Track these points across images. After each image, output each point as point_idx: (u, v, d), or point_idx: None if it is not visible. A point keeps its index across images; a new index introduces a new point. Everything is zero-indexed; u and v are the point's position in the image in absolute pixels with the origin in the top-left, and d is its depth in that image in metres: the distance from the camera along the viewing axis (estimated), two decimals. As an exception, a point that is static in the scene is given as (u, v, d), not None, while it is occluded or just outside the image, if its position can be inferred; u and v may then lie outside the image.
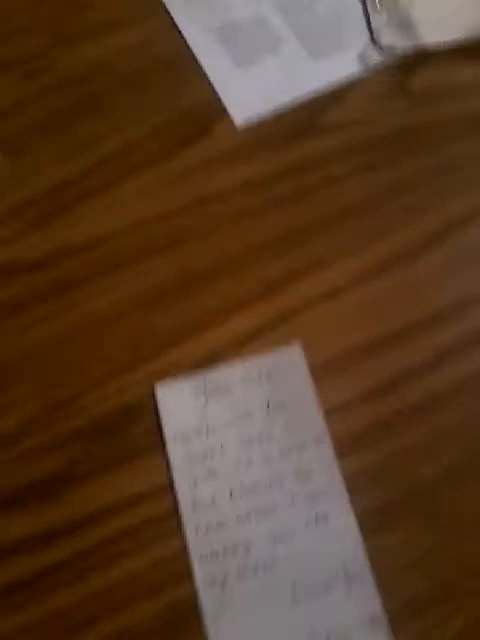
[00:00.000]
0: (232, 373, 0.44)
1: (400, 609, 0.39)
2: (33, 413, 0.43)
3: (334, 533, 0.40)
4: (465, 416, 0.42)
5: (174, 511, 0.41)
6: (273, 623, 0.39)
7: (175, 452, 0.42)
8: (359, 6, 0.55)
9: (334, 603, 0.39)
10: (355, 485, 0.41)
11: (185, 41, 0.55)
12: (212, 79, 0.53)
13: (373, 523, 0.40)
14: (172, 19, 0.56)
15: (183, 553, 0.40)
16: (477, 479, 0.41)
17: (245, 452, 0.42)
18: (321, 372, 0.44)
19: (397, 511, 0.40)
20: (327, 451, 0.42)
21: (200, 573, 0.39)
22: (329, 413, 0.43)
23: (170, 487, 0.41)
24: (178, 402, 0.43)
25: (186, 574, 0.39)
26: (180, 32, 0.55)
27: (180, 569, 0.40)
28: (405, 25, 0.54)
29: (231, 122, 0.51)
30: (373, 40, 0.54)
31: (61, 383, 0.44)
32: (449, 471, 0.41)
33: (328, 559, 0.40)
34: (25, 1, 0.57)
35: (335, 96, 0.52)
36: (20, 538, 0.40)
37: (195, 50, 0.54)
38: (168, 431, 0.43)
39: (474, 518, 0.40)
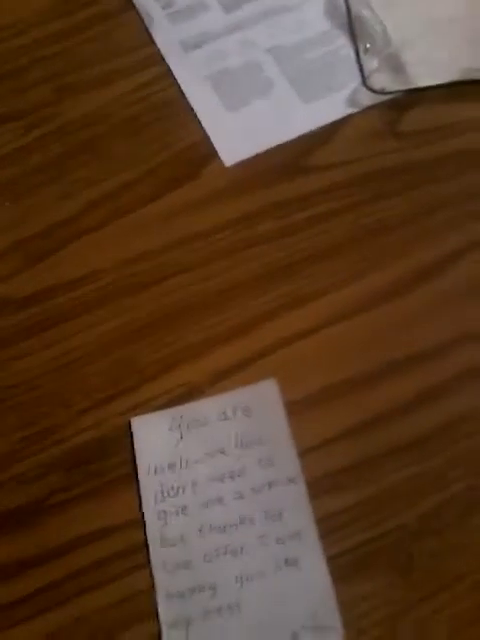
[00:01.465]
0: (208, 408, 0.44)
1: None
2: (13, 445, 0.44)
3: (304, 578, 0.39)
4: (448, 460, 0.41)
5: (143, 546, 0.40)
6: (237, 668, 0.38)
7: (147, 486, 0.42)
8: (351, 52, 0.56)
9: (302, 653, 0.38)
10: (328, 529, 0.40)
11: (180, 88, 0.57)
12: (203, 123, 0.54)
13: (346, 570, 0.39)
14: (169, 68, 0.58)
15: (150, 590, 0.39)
16: (461, 530, 0.39)
17: (217, 489, 0.41)
18: (298, 410, 0.43)
19: (373, 560, 0.39)
20: (300, 491, 0.41)
21: (165, 612, 0.39)
22: (304, 452, 0.42)
23: (141, 521, 0.41)
24: (153, 436, 0.43)
25: (151, 612, 0.39)
26: (176, 80, 0.57)
27: (145, 607, 0.39)
28: (396, 68, 0.55)
29: (221, 164, 0.53)
30: (364, 83, 0.54)
31: (42, 415, 0.45)
32: (430, 520, 0.39)
33: (296, 605, 0.38)
34: (36, 57, 0.60)
35: (323, 136, 0.52)
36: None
37: (188, 96, 0.56)
38: (141, 465, 0.42)
39: (455, 574, 0.38)
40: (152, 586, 0.39)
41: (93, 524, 0.41)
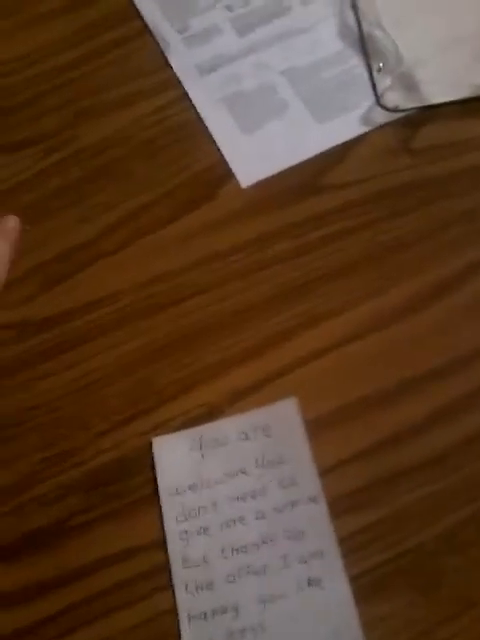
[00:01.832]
0: (228, 428, 0.44)
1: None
2: (33, 466, 0.45)
3: (326, 598, 0.39)
4: (466, 478, 0.41)
5: (165, 567, 0.41)
6: None
7: (169, 507, 0.42)
8: (364, 72, 0.57)
9: (326, 675, 0.37)
10: (350, 548, 0.40)
11: (196, 111, 0.57)
12: (220, 144, 0.55)
13: (368, 590, 0.39)
14: (185, 91, 0.59)
15: (172, 611, 0.40)
16: (480, 546, 0.39)
17: (238, 509, 0.42)
18: (317, 429, 0.43)
19: (394, 579, 0.39)
20: (321, 511, 0.41)
21: (187, 634, 0.39)
22: (325, 471, 0.42)
23: (163, 542, 0.41)
24: (174, 456, 0.44)
25: (174, 633, 0.39)
26: (192, 103, 0.58)
27: (168, 628, 0.39)
28: (409, 86, 0.55)
29: (237, 185, 0.53)
30: (378, 102, 0.55)
31: (62, 436, 0.45)
32: (450, 537, 0.39)
33: (320, 625, 0.38)
34: (53, 85, 0.62)
35: (338, 155, 0.53)
36: (13, 591, 0.41)
37: (205, 118, 0.57)
38: (163, 485, 0.43)
39: (478, 592, 0.38)
40: (175, 607, 0.39)
41: (115, 545, 0.42)
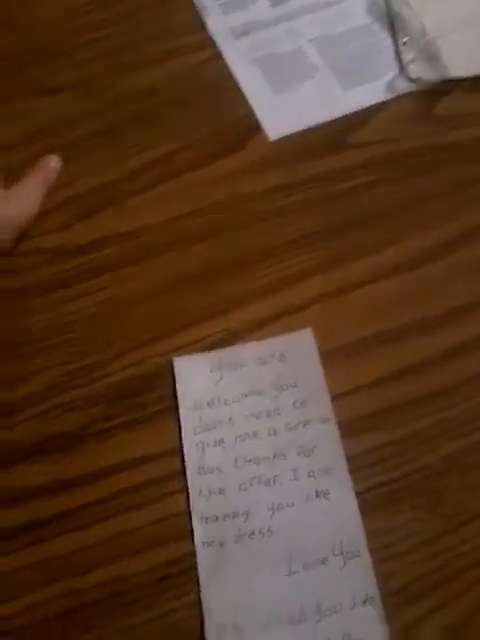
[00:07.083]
0: (247, 352, 0.46)
1: (395, 593, 0.39)
2: (58, 377, 0.47)
3: (333, 509, 0.41)
4: (471, 409, 0.44)
5: (181, 473, 0.43)
6: (266, 588, 0.40)
7: (187, 419, 0.44)
8: (390, 44, 0.60)
9: (328, 577, 0.40)
10: (358, 466, 0.42)
11: (229, 70, 0.60)
12: (250, 101, 0.58)
13: (374, 504, 0.41)
14: (219, 51, 0.61)
15: (185, 513, 0.42)
16: (482, 469, 0.42)
17: (252, 425, 0.44)
18: (331, 359, 0.46)
19: (399, 495, 0.41)
20: (331, 430, 0.43)
21: (199, 533, 0.41)
22: (336, 397, 0.44)
23: (179, 451, 0.43)
24: (194, 375, 0.46)
25: (186, 533, 0.41)
26: (225, 63, 0.61)
27: (181, 528, 0.41)
28: (432, 59, 0.58)
29: (265, 137, 0.56)
30: (402, 72, 0.58)
31: (87, 352, 0.48)
32: (454, 460, 0.42)
33: (326, 533, 0.41)
34: (87, 39, 0.64)
35: (362, 118, 0.56)
36: (37, 485, 0.43)
37: (237, 77, 0.60)
38: (182, 400, 0.45)
39: (476, 507, 0.41)
40: (188, 509, 0.42)
41: (133, 451, 0.44)
